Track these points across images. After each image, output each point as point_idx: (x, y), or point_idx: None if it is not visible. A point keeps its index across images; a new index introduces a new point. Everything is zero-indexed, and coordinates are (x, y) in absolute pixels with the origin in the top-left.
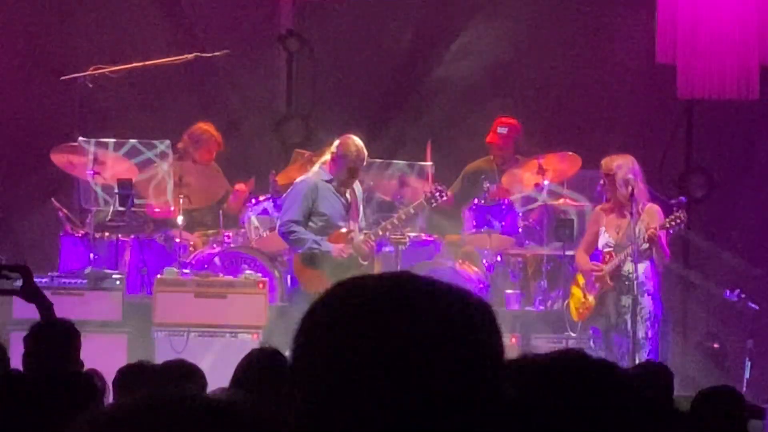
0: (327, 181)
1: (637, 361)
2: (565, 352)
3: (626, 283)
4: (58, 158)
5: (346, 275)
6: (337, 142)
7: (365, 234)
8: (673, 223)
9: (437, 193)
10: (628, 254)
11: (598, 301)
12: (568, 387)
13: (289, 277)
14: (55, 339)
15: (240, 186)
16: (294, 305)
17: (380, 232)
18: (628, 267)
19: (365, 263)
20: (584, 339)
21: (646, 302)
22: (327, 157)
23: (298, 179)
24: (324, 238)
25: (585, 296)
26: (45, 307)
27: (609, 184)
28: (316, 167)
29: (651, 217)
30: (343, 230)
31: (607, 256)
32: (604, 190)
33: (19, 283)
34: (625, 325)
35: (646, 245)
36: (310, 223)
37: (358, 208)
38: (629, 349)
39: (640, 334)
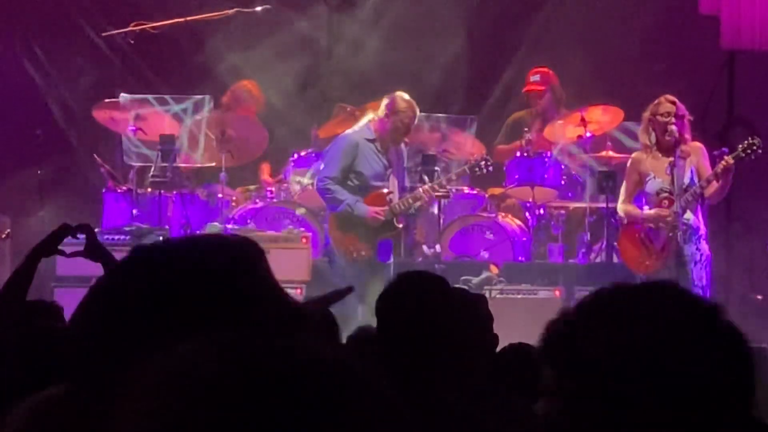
0: (370, 140)
1: None
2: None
3: (687, 231)
4: (101, 114)
5: (377, 238)
6: (386, 101)
7: (402, 197)
8: (749, 150)
9: (482, 162)
10: (689, 198)
11: (665, 250)
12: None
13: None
14: None
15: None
16: (330, 263)
17: (419, 197)
18: (687, 214)
19: (400, 225)
20: None
21: (703, 248)
22: (371, 115)
23: (341, 135)
24: (360, 200)
25: (646, 247)
26: (111, 263)
27: (664, 124)
28: (361, 124)
29: (698, 154)
30: (384, 191)
31: (666, 201)
32: (654, 128)
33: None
34: (690, 274)
35: (706, 185)
36: (348, 182)
37: (402, 168)
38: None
39: (704, 281)
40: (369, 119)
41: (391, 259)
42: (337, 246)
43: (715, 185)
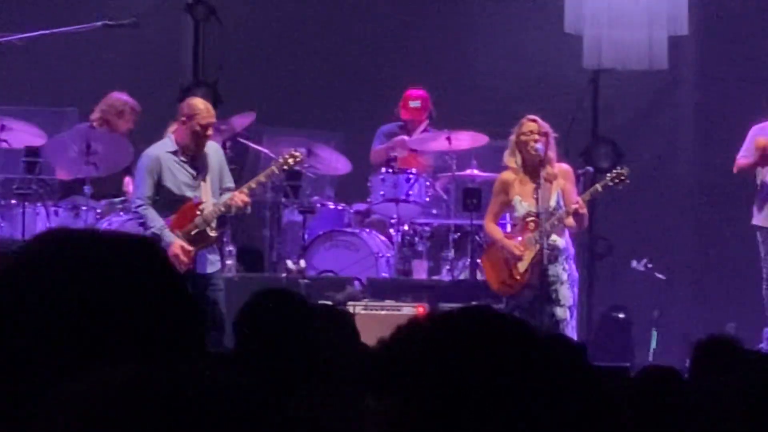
0: (171, 152)
1: (568, 329)
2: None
3: (554, 251)
4: None
5: (195, 249)
6: (184, 105)
7: (214, 204)
8: (617, 180)
9: (290, 159)
10: (554, 222)
11: (528, 272)
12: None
13: None
14: None
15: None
16: None
17: (229, 204)
18: (554, 236)
19: (213, 234)
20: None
21: (571, 268)
22: (174, 126)
23: (144, 153)
24: (165, 227)
25: (509, 268)
26: None
27: (532, 143)
28: (165, 139)
29: (566, 177)
30: (194, 201)
31: (532, 224)
32: (519, 149)
33: None
34: (556, 293)
35: (573, 209)
36: (157, 197)
37: (215, 173)
38: (558, 317)
39: (571, 301)
40: (172, 131)
41: (212, 270)
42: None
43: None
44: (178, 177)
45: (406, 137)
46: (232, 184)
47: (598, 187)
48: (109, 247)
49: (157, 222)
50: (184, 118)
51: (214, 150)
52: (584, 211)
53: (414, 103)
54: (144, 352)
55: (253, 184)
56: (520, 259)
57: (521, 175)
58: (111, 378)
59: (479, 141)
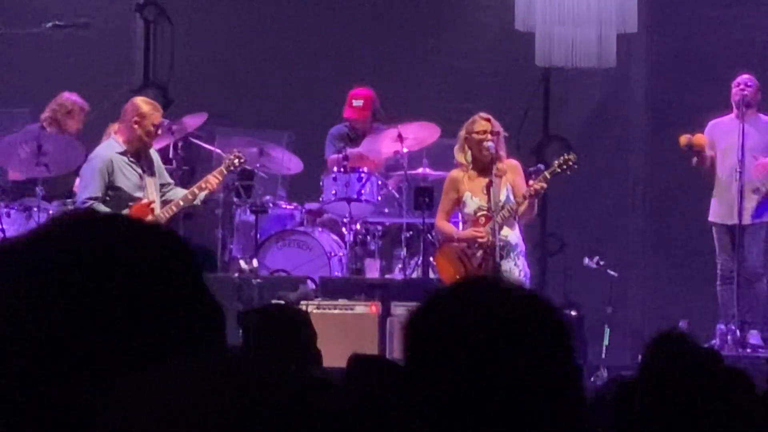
0: (121, 153)
1: None
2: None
3: (505, 247)
4: None
5: None
6: (129, 107)
7: (167, 207)
8: (564, 166)
9: (236, 160)
10: (506, 215)
11: (481, 268)
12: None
13: None
14: None
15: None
16: None
17: (178, 203)
18: (506, 230)
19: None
20: None
21: (522, 264)
22: (115, 127)
23: (92, 155)
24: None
25: (463, 264)
26: None
27: (480, 141)
28: (108, 140)
29: (514, 172)
30: (145, 201)
31: (483, 219)
32: (469, 146)
33: None
34: None
35: (524, 202)
36: (107, 198)
37: (156, 171)
38: None
39: None
40: (115, 131)
41: None
42: None
43: (525, 206)
44: (129, 178)
45: (362, 151)
46: (170, 180)
47: (547, 174)
48: (135, 235)
49: None
50: (136, 118)
51: (153, 152)
52: (535, 194)
53: (357, 102)
54: (173, 349)
55: (203, 184)
56: (483, 237)
57: (470, 171)
58: (190, 367)
59: (429, 131)
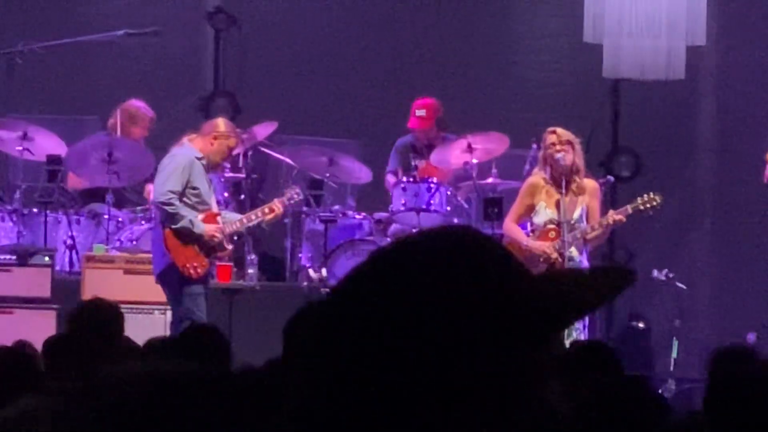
0: (199, 159)
1: (581, 337)
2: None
3: (570, 263)
4: None
5: (210, 257)
6: (217, 123)
7: (231, 221)
8: (648, 205)
9: (294, 196)
10: (577, 235)
11: None
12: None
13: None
14: None
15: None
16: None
17: (244, 223)
18: (573, 250)
19: (230, 247)
20: None
21: None
22: (191, 136)
23: (175, 151)
24: (198, 216)
25: None
26: None
27: (555, 154)
28: (185, 144)
29: (592, 195)
30: (214, 210)
31: (553, 233)
32: (546, 163)
33: None
34: None
35: (599, 229)
36: (185, 198)
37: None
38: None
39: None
40: (189, 139)
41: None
42: (178, 257)
43: (598, 233)
44: (204, 184)
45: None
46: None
47: (629, 208)
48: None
49: (190, 212)
50: (215, 134)
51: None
52: (612, 225)
53: (420, 112)
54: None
55: (253, 217)
56: (549, 259)
57: (549, 185)
58: None
59: (499, 142)
